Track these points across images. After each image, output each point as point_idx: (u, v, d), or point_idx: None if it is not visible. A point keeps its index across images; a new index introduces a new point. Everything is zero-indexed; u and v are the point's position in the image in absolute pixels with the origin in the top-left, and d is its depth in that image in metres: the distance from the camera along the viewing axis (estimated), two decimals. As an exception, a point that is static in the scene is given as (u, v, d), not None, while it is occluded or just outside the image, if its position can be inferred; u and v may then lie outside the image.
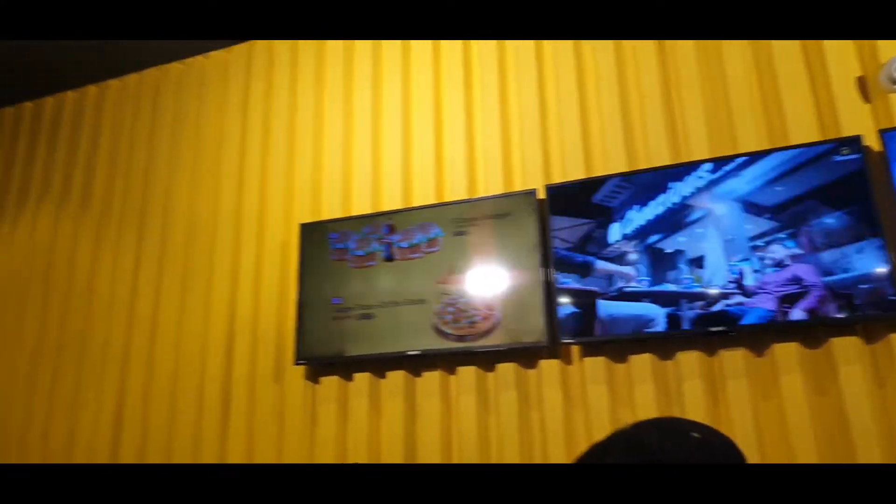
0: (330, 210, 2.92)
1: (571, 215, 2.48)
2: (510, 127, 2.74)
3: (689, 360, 2.22)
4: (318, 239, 2.81)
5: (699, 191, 2.31)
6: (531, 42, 2.80)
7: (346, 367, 2.68)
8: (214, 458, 2.77)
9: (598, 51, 2.67)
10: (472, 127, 2.80)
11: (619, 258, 2.36)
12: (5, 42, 3.25)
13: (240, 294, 2.96)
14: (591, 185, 2.48)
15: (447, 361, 2.56)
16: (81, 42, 3.26)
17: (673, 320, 2.21)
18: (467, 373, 2.50)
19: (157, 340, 3.05)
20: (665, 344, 2.27)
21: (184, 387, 2.91)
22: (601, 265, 2.37)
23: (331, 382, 2.69)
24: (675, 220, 2.32)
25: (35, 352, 3.28)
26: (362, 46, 3.09)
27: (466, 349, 2.46)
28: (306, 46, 3.20)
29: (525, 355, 2.44)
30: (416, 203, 2.78)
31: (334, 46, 3.14)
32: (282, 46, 3.24)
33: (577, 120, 2.63)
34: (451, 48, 2.93)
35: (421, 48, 2.98)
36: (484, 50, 2.87)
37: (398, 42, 3.03)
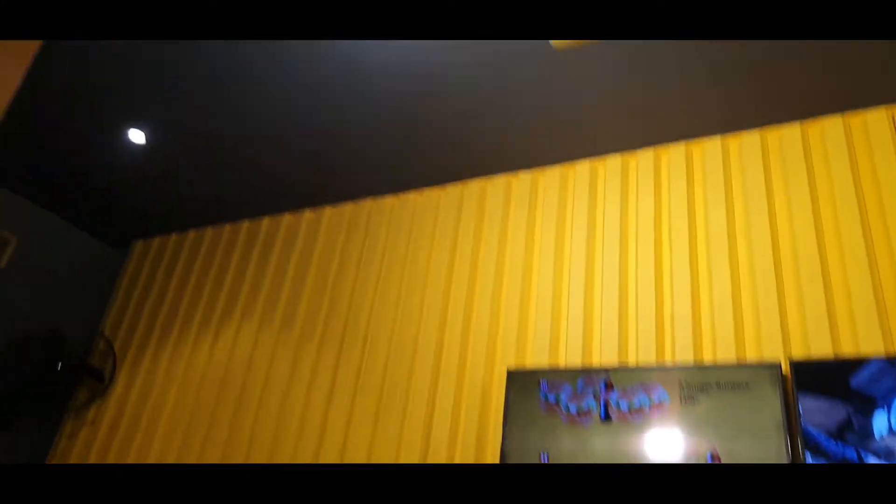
0: (535, 357, 2.84)
1: (823, 396, 2.24)
2: (742, 288, 2.59)
3: None
4: (526, 387, 2.72)
5: None
6: (763, 193, 2.70)
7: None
8: None
9: (841, 212, 2.52)
10: (697, 284, 2.68)
11: (889, 455, 2.07)
12: (230, 163, 3.58)
13: (435, 431, 2.89)
14: (847, 366, 2.25)
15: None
16: (301, 168, 3.54)
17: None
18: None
19: (346, 469, 3.01)
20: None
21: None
22: (871, 461, 2.09)
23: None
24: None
25: (223, 462, 3.34)
26: (579, 189, 3.11)
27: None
28: (519, 185, 3.28)
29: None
30: (633, 359, 2.65)
31: (546, 189, 3.20)
32: (495, 187, 3.35)
33: (820, 290, 2.44)
34: (676, 192, 2.88)
35: (642, 189, 2.96)
36: (711, 198, 2.79)
37: (618, 183, 3.03)
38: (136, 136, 3.43)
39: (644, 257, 2.84)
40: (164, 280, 4.25)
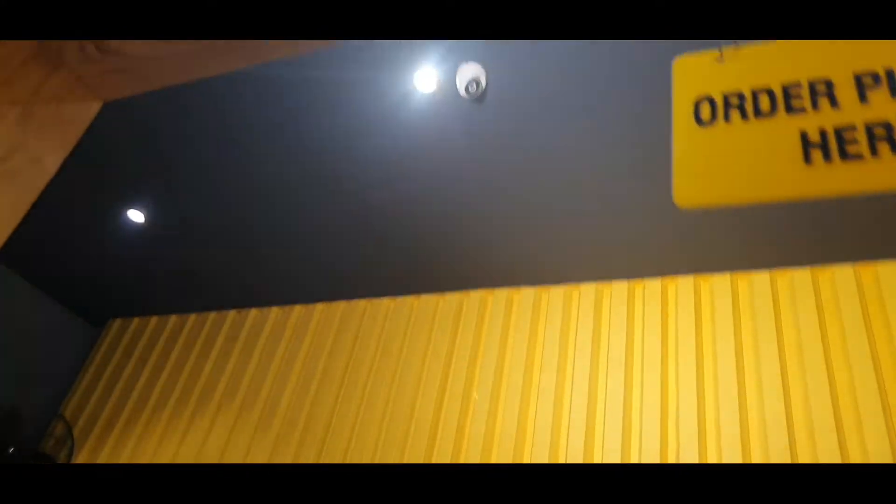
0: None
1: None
2: (751, 437, 2.51)
3: None
4: None
5: None
6: (773, 335, 2.66)
7: None
8: None
9: (854, 362, 2.48)
10: (704, 428, 2.59)
11: None
12: (225, 250, 3.49)
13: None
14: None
15: None
16: (297, 263, 3.46)
17: None
18: None
19: None
20: None
21: None
22: None
23: None
24: None
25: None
26: (584, 310, 3.06)
27: None
28: (521, 300, 3.22)
29: None
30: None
31: (550, 306, 3.14)
32: (497, 299, 3.29)
33: (834, 442, 2.37)
34: (683, 323, 2.84)
35: (648, 317, 2.91)
36: (720, 333, 2.75)
37: (623, 309, 2.98)
38: (135, 215, 3.35)
39: (650, 389, 2.75)
40: (138, 364, 4.05)
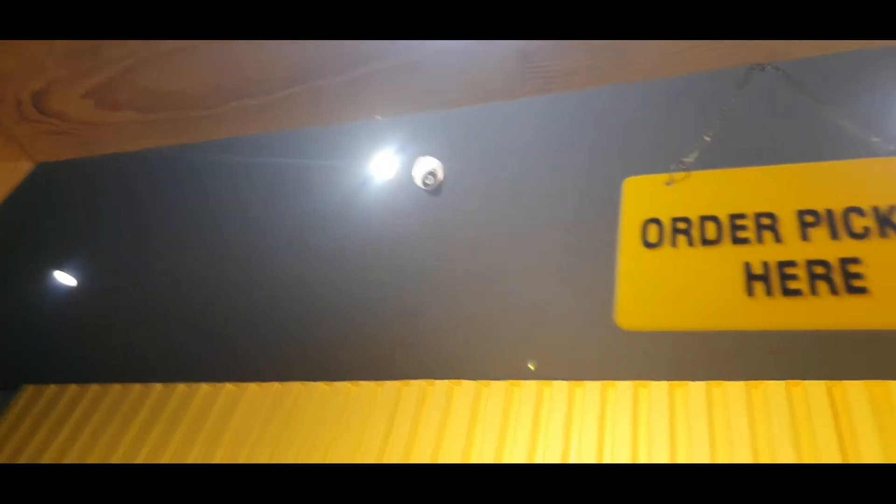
0: None
1: None
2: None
3: None
4: None
5: None
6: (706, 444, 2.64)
7: None
8: None
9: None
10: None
11: None
12: (155, 322, 3.33)
13: None
14: None
15: None
16: (229, 342, 3.33)
17: None
18: None
19: None
20: None
21: None
22: None
23: None
24: None
25: None
26: (524, 408, 3.00)
27: None
28: (462, 394, 3.14)
29: None
30: None
31: (490, 402, 3.07)
32: (437, 391, 3.20)
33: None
34: (620, 427, 2.79)
35: (587, 419, 2.86)
36: (656, 438, 2.71)
37: (563, 410, 2.93)
38: (64, 278, 3.18)
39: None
40: (49, 433, 3.75)
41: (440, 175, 2.49)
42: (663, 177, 1.06)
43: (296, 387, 3.49)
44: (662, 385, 2.89)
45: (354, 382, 3.40)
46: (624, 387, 2.94)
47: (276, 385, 3.54)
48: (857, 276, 0.87)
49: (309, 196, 2.54)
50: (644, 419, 2.84)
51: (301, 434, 3.28)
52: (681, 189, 1.04)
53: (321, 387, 3.45)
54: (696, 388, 2.84)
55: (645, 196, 1.05)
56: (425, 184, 2.52)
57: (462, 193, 2.48)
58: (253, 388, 3.57)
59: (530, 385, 3.09)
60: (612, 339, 2.73)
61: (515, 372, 3.09)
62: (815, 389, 2.70)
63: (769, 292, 0.90)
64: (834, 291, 0.87)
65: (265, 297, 3.02)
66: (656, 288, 0.95)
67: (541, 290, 2.68)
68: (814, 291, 0.88)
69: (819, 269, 0.89)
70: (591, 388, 2.99)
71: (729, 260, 0.94)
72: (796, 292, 0.89)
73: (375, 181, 2.49)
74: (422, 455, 3.00)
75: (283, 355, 3.35)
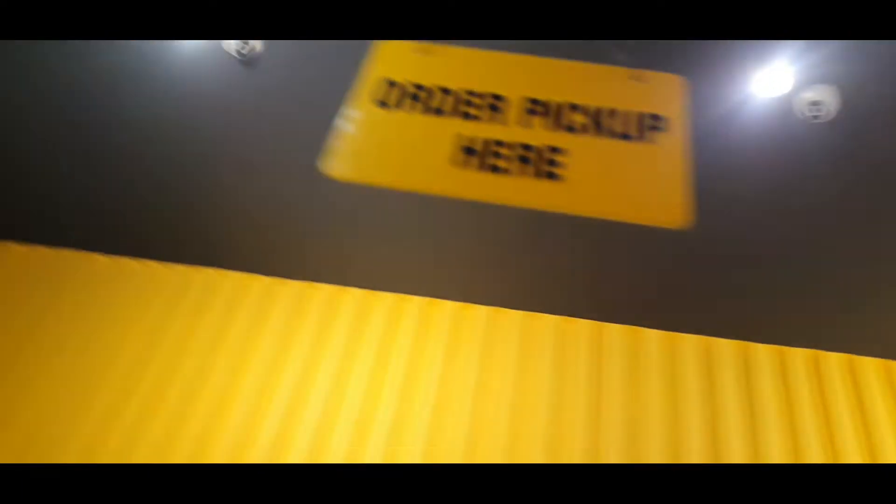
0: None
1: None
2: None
3: None
4: None
5: None
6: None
7: None
8: None
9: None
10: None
11: None
12: None
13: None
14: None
15: None
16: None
17: None
18: None
19: None
20: None
21: None
22: None
23: None
24: None
25: None
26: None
27: None
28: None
29: None
30: None
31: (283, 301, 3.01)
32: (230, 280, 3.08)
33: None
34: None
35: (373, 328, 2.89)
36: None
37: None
38: None
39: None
40: None
41: (258, 47, 2.33)
42: (417, 45, 1.03)
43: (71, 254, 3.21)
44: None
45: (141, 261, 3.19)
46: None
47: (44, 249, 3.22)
48: (558, 163, 0.90)
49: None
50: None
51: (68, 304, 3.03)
52: (429, 59, 1.02)
53: (102, 259, 3.20)
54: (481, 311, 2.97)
55: (393, 59, 1.02)
56: (240, 53, 2.36)
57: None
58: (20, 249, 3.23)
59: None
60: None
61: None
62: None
63: (479, 166, 0.91)
64: (535, 175, 0.89)
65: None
66: (375, 145, 0.93)
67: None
68: (518, 172, 0.90)
69: (527, 154, 0.91)
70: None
71: (450, 131, 0.94)
72: (503, 170, 0.90)
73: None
74: (201, 347, 2.90)
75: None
